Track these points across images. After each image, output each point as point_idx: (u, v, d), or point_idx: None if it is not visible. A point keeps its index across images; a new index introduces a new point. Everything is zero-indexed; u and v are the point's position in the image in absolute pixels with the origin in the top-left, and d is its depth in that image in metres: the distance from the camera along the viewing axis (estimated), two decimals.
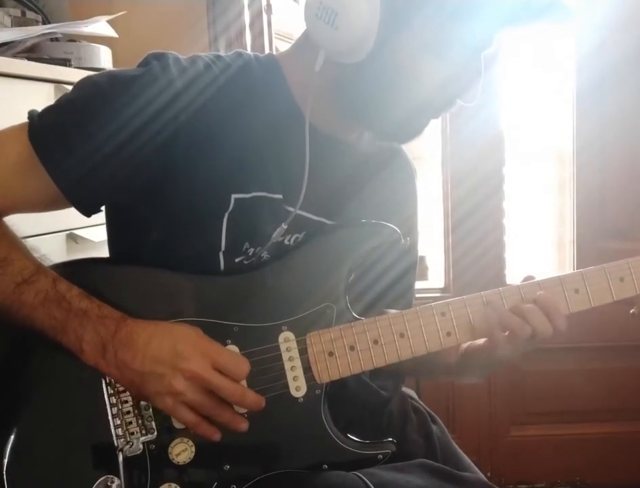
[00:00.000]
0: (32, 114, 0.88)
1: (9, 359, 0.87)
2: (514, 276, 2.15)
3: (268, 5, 1.91)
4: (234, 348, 0.88)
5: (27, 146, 0.85)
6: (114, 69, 0.94)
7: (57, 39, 1.55)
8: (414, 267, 1.11)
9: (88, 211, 0.91)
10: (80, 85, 0.90)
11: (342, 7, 0.82)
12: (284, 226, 0.91)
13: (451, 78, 0.88)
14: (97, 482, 0.84)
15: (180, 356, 0.81)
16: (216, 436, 0.85)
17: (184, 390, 0.81)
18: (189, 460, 0.86)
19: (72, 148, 0.85)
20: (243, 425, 0.85)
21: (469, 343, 0.95)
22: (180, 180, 0.88)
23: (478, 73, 0.89)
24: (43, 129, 0.86)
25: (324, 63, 0.87)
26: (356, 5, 0.82)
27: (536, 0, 0.85)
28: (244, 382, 0.86)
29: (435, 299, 0.92)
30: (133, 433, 0.86)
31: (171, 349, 0.82)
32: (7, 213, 0.89)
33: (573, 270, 2.08)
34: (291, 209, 0.92)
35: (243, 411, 0.86)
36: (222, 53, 0.99)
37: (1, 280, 0.83)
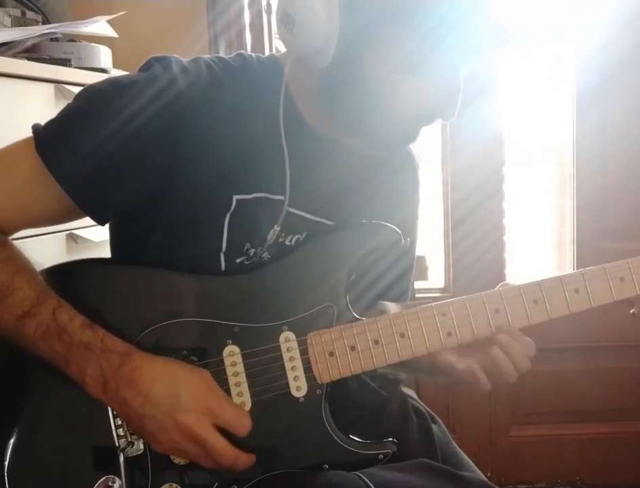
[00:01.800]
0: (36, 128, 0.87)
1: (11, 359, 0.86)
2: (514, 276, 2.15)
3: (268, 5, 1.91)
4: (234, 348, 0.88)
5: (35, 160, 0.85)
6: (115, 76, 0.94)
7: (57, 39, 1.55)
8: (412, 267, 1.11)
9: (102, 219, 0.91)
10: (82, 94, 0.90)
11: (299, 15, 0.82)
12: (276, 228, 0.91)
13: (425, 94, 0.86)
14: (98, 483, 0.84)
15: (180, 407, 0.80)
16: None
17: (180, 441, 0.81)
18: (190, 460, 0.86)
19: (79, 154, 0.85)
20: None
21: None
22: (182, 180, 0.88)
23: (455, 91, 0.87)
24: (48, 140, 0.86)
25: (305, 66, 0.87)
26: (312, 13, 0.82)
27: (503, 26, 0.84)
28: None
29: (435, 299, 0.92)
30: (134, 433, 0.86)
31: (172, 397, 0.81)
32: (17, 230, 0.89)
33: (574, 270, 2.08)
34: (292, 210, 0.92)
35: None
36: (222, 54, 1.00)
37: (2, 311, 0.82)
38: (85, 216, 0.90)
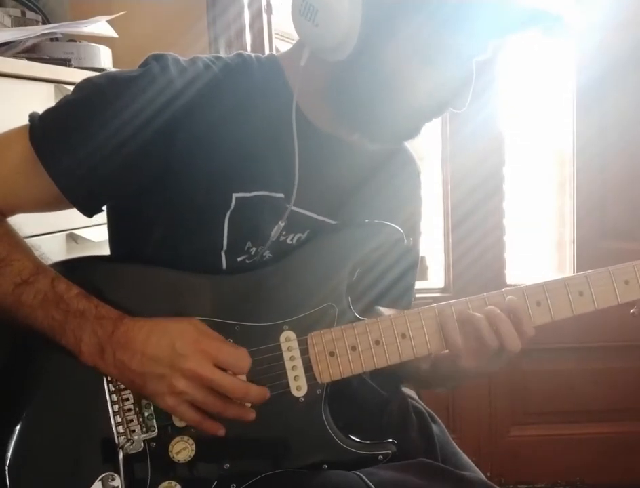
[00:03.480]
0: (32, 116, 0.88)
1: (11, 356, 0.86)
2: (514, 276, 2.15)
3: (268, 5, 1.91)
4: None
5: (28, 148, 0.86)
6: (113, 70, 0.95)
7: (57, 39, 1.55)
8: (415, 267, 1.11)
9: (89, 211, 0.92)
10: (80, 87, 0.91)
11: (323, 5, 0.82)
12: (281, 224, 0.92)
13: (440, 84, 0.87)
14: (97, 480, 0.84)
15: (178, 354, 0.81)
16: (220, 431, 0.84)
17: (185, 390, 0.81)
18: (189, 458, 0.86)
19: (72, 148, 0.86)
20: (251, 416, 0.85)
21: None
22: (181, 179, 0.88)
23: (469, 80, 0.89)
24: (43, 130, 0.87)
25: (316, 60, 0.88)
26: (337, 3, 0.82)
27: (527, 11, 0.84)
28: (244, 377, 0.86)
29: (435, 299, 0.92)
30: (133, 431, 0.86)
31: (169, 347, 0.81)
32: (12, 213, 0.90)
33: (573, 270, 2.09)
34: (296, 209, 0.92)
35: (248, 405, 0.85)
36: (222, 53, 1.00)
37: (0, 280, 0.83)
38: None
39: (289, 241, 0.95)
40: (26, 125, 0.88)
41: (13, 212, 0.90)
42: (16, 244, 0.86)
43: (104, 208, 0.95)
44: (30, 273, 0.83)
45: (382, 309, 1.04)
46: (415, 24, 0.84)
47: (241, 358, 0.84)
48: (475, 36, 0.85)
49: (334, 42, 0.84)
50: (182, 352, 0.81)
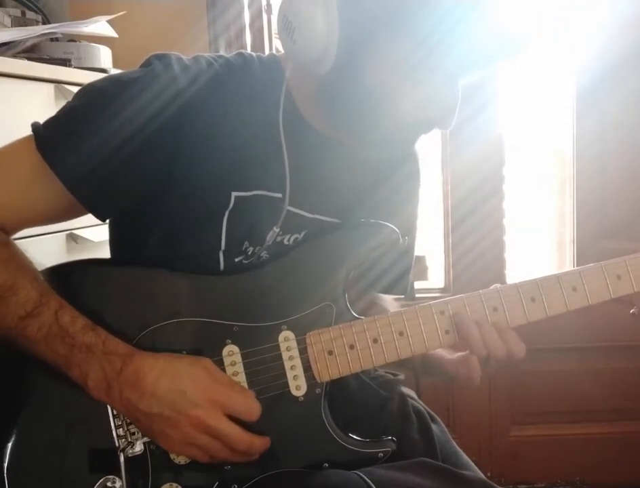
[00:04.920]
0: (36, 126, 0.88)
1: (11, 360, 0.86)
2: (514, 276, 2.15)
3: (268, 5, 1.92)
4: (234, 348, 0.88)
5: (36, 156, 0.85)
6: (114, 73, 0.95)
7: (57, 39, 1.55)
8: (411, 266, 1.11)
9: (102, 214, 0.91)
10: (81, 92, 0.90)
11: (299, 23, 0.82)
12: (276, 230, 0.91)
13: (423, 101, 0.85)
14: (98, 483, 0.84)
15: (188, 401, 0.81)
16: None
17: (192, 435, 0.81)
18: (190, 460, 0.86)
19: (79, 150, 0.85)
20: (253, 459, 0.86)
21: None
22: (182, 178, 0.88)
23: (453, 100, 0.86)
24: (49, 136, 0.86)
25: (306, 68, 0.87)
26: (312, 21, 0.81)
27: (503, 40, 0.82)
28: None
29: (435, 299, 0.92)
30: (134, 433, 0.86)
31: (180, 393, 0.81)
32: (19, 229, 0.89)
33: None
34: (292, 208, 0.92)
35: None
36: (223, 53, 1.00)
37: (4, 311, 0.81)
38: (86, 213, 0.90)
39: (285, 242, 0.95)
40: (29, 135, 0.87)
41: (20, 227, 0.89)
42: (21, 268, 0.85)
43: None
44: (34, 305, 0.82)
45: (379, 295, 1.05)
46: (392, 39, 0.82)
47: (250, 407, 0.84)
48: (451, 58, 0.82)
49: (313, 57, 0.84)
50: (193, 400, 0.81)
